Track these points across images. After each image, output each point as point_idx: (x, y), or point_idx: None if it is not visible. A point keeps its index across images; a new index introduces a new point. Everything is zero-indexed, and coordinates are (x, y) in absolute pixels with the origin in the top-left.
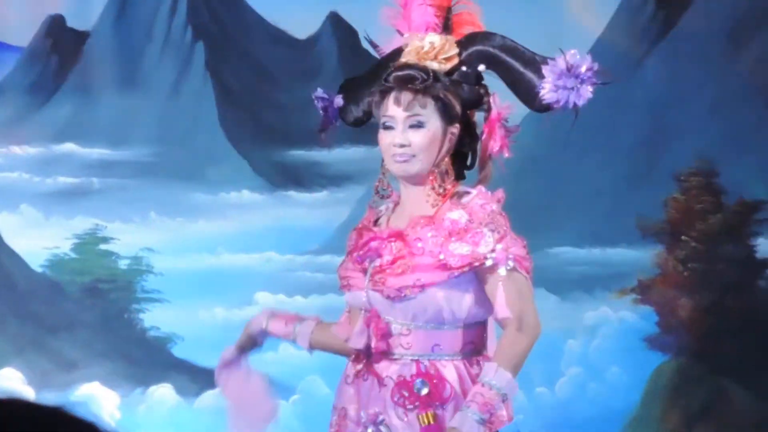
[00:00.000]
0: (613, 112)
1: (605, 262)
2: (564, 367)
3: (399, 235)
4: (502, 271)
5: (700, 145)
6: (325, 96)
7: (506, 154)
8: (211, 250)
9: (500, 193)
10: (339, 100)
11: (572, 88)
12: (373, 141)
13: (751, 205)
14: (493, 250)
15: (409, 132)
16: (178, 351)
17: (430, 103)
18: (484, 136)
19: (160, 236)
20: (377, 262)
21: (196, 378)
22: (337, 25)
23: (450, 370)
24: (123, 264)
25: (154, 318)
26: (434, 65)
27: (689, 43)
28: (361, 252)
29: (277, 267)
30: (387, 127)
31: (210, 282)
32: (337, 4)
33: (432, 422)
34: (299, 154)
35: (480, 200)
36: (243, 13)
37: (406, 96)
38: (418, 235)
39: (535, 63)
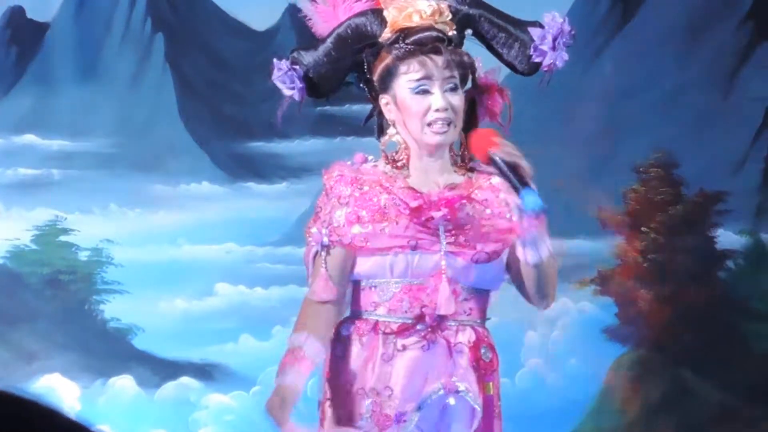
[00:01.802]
0: (571, 104)
1: (564, 253)
2: (524, 358)
3: (468, 198)
4: None
5: (659, 136)
6: (295, 68)
7: (505, 124)
8: (171, 241)
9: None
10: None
11: (559, 51)
12: (332, 133)
13: (711, 197)
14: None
15: (448, 95)
16: (139, 342)
17: (457, 69)
18: (486, 102)
19: (120, 227)
20: (448, 225)
21: (157, 369)
22: (296, 17)
23: (490, 336)
24: (83, 255)
25: (115, 309)
26: (446, 28)
27: (647, 34)
28: (437, 214)
29: (237, 258)
30: (422, 92)
31: (170, 273)
32: None
33: (491, 392)
34: (259, 145)
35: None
36: (202, 5)
37: (445, 57)
38: (482, 197)
39: (522, 24)
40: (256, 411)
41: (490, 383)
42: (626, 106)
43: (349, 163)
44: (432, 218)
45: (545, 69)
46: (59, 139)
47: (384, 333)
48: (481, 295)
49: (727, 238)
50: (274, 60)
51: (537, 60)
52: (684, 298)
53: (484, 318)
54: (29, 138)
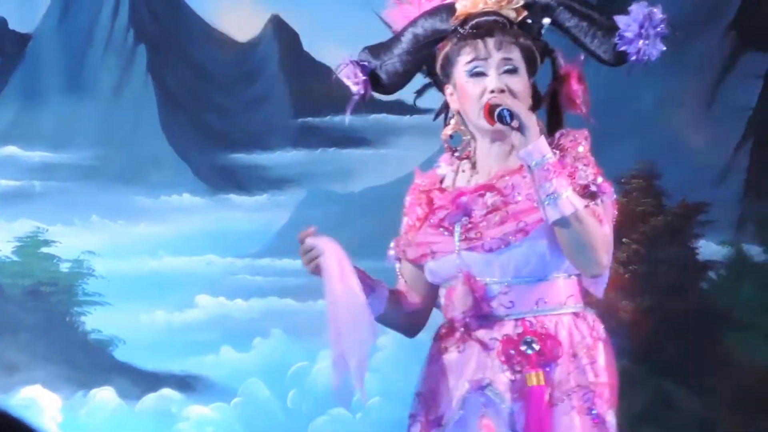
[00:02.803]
0: None
1: None
2: None
3: (489, 187)
4: (599, 201)
5: (641, 146)
6: (363, 64)
7: (584, 111)
8: (152, 253)
9: (586, 132)
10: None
11: (652, 38)
12: (313, 145)
13: (693, 208)
14: (594, 181)
15: (503, 77)
16: (120, 354)
17: (518, 51)
18: (566, 89)
19: (101, 239)
20: (465, 221)
21: (138, 381)
22: (278, 28)
23: (556, 325)
24: (64, 267)
25: (96, 321)
26: (510, 13)
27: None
28: (446, 213)
29: (217, 270)
30: (477, 74)
31: (151, 285)
32: (279, 7)
33: (541, 382)
34: (240, 157)
35: (569, 136)
36: (185, 16)
37: (500, 39)
38: (509, 183)
39: (603, 12)
40: (237, 422)
41: (535, 373)
42: (608, 117)
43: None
44: (443, 219)
45: (633, 58)
46: (41, 151)
47: (434, 338)
48: (528, 284)
49: (709, 248)
50: (341, 59)
51: (622, 48)
52: (666, 309)
53: (545, 307)
54: (11, 150)
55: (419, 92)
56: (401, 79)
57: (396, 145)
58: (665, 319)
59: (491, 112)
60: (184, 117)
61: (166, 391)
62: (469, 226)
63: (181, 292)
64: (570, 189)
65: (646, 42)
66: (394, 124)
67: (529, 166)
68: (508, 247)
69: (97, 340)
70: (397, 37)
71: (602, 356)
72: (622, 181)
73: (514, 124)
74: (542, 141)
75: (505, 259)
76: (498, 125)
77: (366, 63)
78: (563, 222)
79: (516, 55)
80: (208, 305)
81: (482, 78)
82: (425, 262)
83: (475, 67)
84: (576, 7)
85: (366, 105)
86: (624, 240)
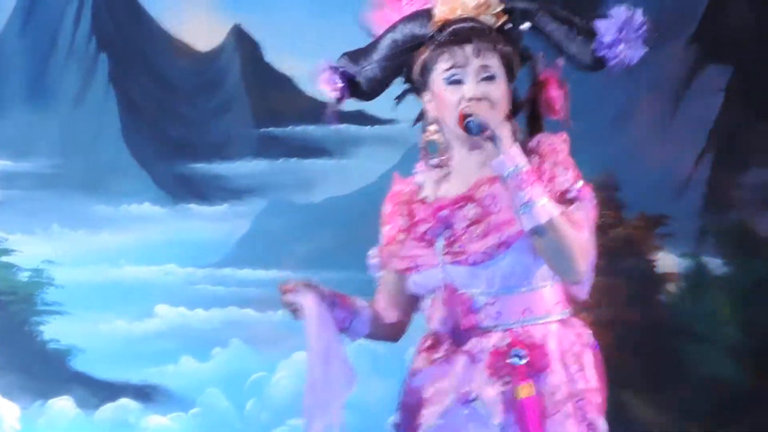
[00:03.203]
0: None
1: None
2: None
3: (468, 198)
4: (578, 205)
5: (601, 158)
6: (342, 70)
7: (562, 117)
8: (112, 262)
9: (564, 135)
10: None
11: (630, 42)
12: (274, 155)
13: (652, 220)
14: (573, 186)
15: (481, 85)
16: (78, 363)
17: (497, 58)
18: (546, 94)
19: (61, 248)
20: (447, 233)
21: (96, 391)
22: (240, 37)
23: (544, 335)
24: (24, 276)
25: (55, 330)
26: (489, 19)
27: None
28: (428, 227)
29: (177, 280)
30: (454, 82)
31: (111, 294)
32: (241, 16)
33: (532, 393)
34: (201, 167)
35: (547, 141)
36: (147, 26)
37: (477, 46)
38: (488, 193)
39: (583, 18)
40: None
41: (524, 385)
42: (569, 128)
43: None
44: (426, 232)
45: (612, 63)
46: (1, 159)
47: (419, 351)
48: (514, 294)
49: (668, 261)
50: (322, 62)
51: (602, 53)
52: (625, 321)
53: (531, 317)
54: None
55: (399, 98)
56: (380, 86)
57: (357, 156)
58: (624, 332)
59: (463, 121)
60: (145, 126)
61: (125, 401)
62: (452, 239)
63: (141, 301)
64: (545, 197)
65: (627, 46)
66: (356, 134)
67: (502, 176)
68: (493, 260)
69: (56, 350)
70: (375, 42)
71: (591, 362)
72: None
73: (487, 133)
74: (515, 150)
75: (490, 272)
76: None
77: (345, 69)
78: (539, 230)
79: (494, 62)
80: (167, 315)
81: (460, 86)
82: (410, 274)
83: (453, 75)
84: (556, 12)
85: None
86: None
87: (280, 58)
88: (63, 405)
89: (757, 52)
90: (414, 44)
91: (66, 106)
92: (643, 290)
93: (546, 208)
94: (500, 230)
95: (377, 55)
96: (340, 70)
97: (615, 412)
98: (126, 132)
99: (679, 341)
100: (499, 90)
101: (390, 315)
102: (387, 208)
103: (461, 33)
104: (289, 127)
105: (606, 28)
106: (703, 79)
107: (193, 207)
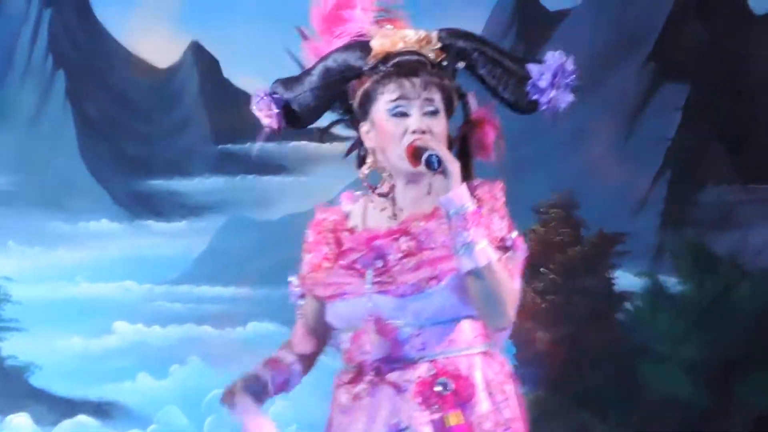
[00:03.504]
0: None
1: None
2: None
3: (403, 231)
4: (511, 255)
5: (559, 176)
6: (276, 97)
7: (493, 158)
8: (69, 279)
9: (501, 184)
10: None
11: (560, 89)
12: (232, 171)
13: (610, 238)
14: (509, 235)
15: (426, 118)
16: (36, 380)
17: (439, 93)
18: (477, 135)
19: (18, 265)
20: (378, 264)
21: (54, 407)
22: (198, 54)
23: (469, 366)
24: None
25: (12, 347)
26: (430, 54)
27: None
28: (359, 255)
29: (135, 296)
30: (399, 114)
31: (68, 311)
32: (199, 33)
33: (461, 422)
34: (159, 183)
35: (485, 188)
36: (104, 42)
37: (423, 78)
38: (424, 229)
39: (518, 61)
40: None
41: (453, 413)
42: (527, 146)
43: (339, 202)
44: (356, 261)
45: (544, 108)
46: None
47: (340, 384)
48: (438, 326)
49: (626, 279)
50: (255, 90)
51: (534, 98)
52: (582, 339)
53: (455, 348)
54: None
55: (324, 130)
56: (313, 114)
57: (315, 173)
58: (581, 350)
59: (416, 154)
60: (103, 142)
61: (82, 418)
62: (383, 269)
63: (99, 318)
64: (485, 240)
65: (558, 92)
66: (314, 151)
67: (447, 213)
68: (422, 293)
69: (13, 366)
70: (308, 70)
71: (514, 392)
72: (541, 210)
73: (440, 169)
74: (463, 189)
75: (419, 305)
76: (421, 168)
77: (279, 96)
78: (476, 273)
79: (437, 97)
80: (125, 331)
81: (404, 118)
82: (334, 302)
83: (398, 106)
84: (490, 53)
85: (285, 133)
86: (541, 270)
87: (239, 74)
88: (20, 422)
89: (713, 71)
90: (348, 74)
91: (23, 123)
92: (600, 308)
93: (486, 252)
94: (433, 265)
95: (309, 83)
96: (275, 96)
97: (573, 430)
98: (83, 149)
99: (636, 359)
100: (440, 125)
101: (306, 345)
102: (310, 236)
103: (408, 65)
104: (248, 144)
105: (540, 72)
106: (660, 97)
107: (151, 224)
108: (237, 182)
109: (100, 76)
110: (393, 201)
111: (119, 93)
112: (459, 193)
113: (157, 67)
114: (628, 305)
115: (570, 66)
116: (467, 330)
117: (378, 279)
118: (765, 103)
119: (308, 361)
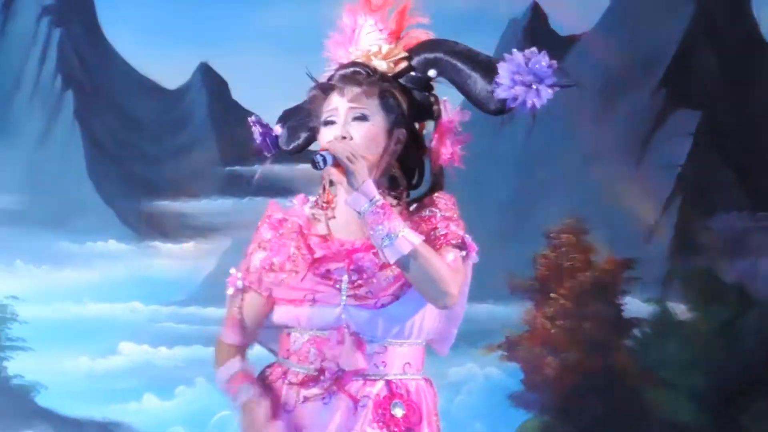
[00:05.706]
0: (483, 168)
1: (472, 317)
2: None
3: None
4: (461, 253)
5: (570, 202)
6: (264, 123)
7: (456, 164)
8: (76, 299)
9: (453, 198)
10: (278, 129)
11: (530, 86)
12: (240, 193)
13: (620, 264)
14: (463, 238)
15: (352, 125)
16: (42, 400)
17: (376, 99)
18: (434, 143)
19: (25, 284)
20: (354, 276)
21: (59, 427)
22: (207, 75)
23: (417, 391)
24: None
25: (18, 366)
26: (382, 65)
27: (561, 100)
28: (336, 266)
29: (142, 317)
30: (328, 123)
31: (75, 331)
32: (208, 54)
33: None
34: (166, 204)
35: (441, 200)
36: (113, 63)
37: (351, 89)
38: None
39: (489, 62)
40: None
41: None
42: (538, 171)
43: (290, 203)
44: (331, 270)
45: (512, 106)
46: None
47: (289, 383)
48: (399, 347)
49: (635, 306)
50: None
51: (501, 96)
52: (590, 365)
53: (409, 371)
54: None
55: (297, 151)
56: (303, 142)
57: None
58: (589, 376)
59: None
60: (111, 163)
61: None
62: (360, 282)
63: (105, 338)
64: (405, 227)
65: (525, 89)
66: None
67: (359, 213)
68: (398, 300)
69: (20, 386)
70: (304, 102)
71: (438, 426)
72: (551, 235)
73: (340, 166)
74: (369, 185)
75: (389, 319)
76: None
77: (265, 125)
78: (404, 261)
79: (368, 103)
80: (131, 352)
81: (332, 126)
82: (301, 305)
83: (329, 116)
84: (458, 56)
85: (293, 155)
86: (551, 295)
87: (248, 96)
88: None
89: (725, 97)
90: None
91: (31, 142)
92: (609, 335)
93: (407, 238)
94: (401, 278)
95: (300, 115)
96: (261, 125)
97: None
98: (91, 169)
99: (643, 386)
100: (364, 129)
101: (236, 337)
102: (266, 233)
103: (342, 77)
104: (256, 166)
105: (501, 70)
106: (671, 123)
107: (158, 245)
108: (245, 204)
109: (108, 96)
110: (332, 210)
111: (128, 114)
112: (364, 189)
113: (165, 89)
114: (636, 332)
115: (539, 62)
116: (420, 355)
117: (355, 292)
118: None
119: (244, 351)
